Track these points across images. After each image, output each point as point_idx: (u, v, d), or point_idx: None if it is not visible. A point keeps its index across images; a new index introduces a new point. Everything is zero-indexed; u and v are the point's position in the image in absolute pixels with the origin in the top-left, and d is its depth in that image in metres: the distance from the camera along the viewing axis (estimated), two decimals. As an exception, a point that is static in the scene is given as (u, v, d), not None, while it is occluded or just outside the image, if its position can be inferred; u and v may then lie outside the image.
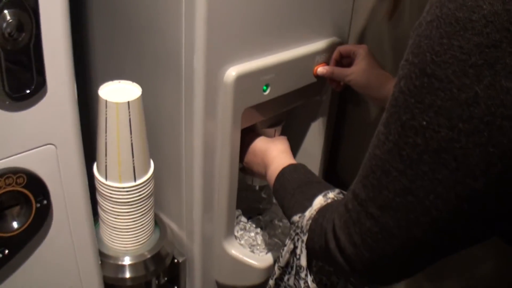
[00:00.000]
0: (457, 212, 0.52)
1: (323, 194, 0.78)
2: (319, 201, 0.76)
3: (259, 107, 1.01)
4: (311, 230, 0.73)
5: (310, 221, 0.74)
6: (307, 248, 0.76)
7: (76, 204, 0.81)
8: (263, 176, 1.05)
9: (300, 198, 0.82)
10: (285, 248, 0.83)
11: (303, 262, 0.78)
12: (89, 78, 1.19)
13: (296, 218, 0.79)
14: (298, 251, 0.79)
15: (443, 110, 0.48)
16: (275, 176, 0.94)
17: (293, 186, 0.87)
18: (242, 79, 0.92)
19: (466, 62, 0.46)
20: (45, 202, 0.75)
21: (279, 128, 1.16)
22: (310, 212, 0.75)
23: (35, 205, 0.74)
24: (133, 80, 0.90)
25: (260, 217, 1.28)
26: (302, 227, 0.76)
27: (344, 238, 0.62)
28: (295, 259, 0.80)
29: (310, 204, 0.77)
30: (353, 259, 0.61)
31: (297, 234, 0.78)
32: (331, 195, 0.78)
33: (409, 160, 0.52)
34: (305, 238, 0.75)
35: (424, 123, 0.50)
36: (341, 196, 0.78)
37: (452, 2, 0.47)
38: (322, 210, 0.73)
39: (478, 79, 0.46)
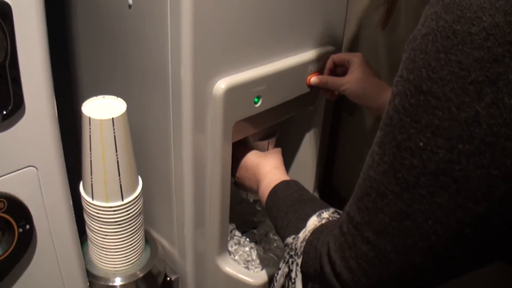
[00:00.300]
0: (458, 237, 0.48)
1: (317, 214, 0.75)
2: (313, 222, 0.73)
3: (251, 120, 0.98)
4: (306, 253, 0.69)
5: (304, 243, 0.70)
6: (302, 272, 0.73)
7: (61, 228, 0.78)
8: (255, 191, 1.02)
9: (293, 218, 0.78)
10: (280, 272, 0.79)
11: (299, 286, 0.75)
12: (75, 94, 1.16)
13: (290, 240, 0.76)
14: (293, 275, 0.75)
15: (442, 130, 0.45)
16: (267, 193, 0.91)
17: (286, 205, 0.83)
18: (232, 91, 0.89)
19: (466, 79, 0.43)
20: (27, 227, 0.72)
21: (272, 140, 1.13)
22: (304, 234, 0.72)
23: (17, 231, 0.71)
24: (119, 95, 0.87)
25: (255, 230, 1.25)
26: (296, 249, 0.72)
27: (339, 263, 0.58)
28: (290, 283, 0.77)
29: (303, 225, 0.74)
30: (349, 285, 0.57)
31: (291, 256, 0.74)
32: (326, 214, 0.75)
33: (405, 182, 0.49)
34: (299, 261, 0.71)
35: (421, 144, 0.47)
36: (336, 215, 0.75)
37: (449, 13, 0.44)
38: (316, 231, 0.70)
39: (479, 96, 0.42)
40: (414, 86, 0.47)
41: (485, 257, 0.53)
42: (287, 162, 1.22)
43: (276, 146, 1.15)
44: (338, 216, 0.75)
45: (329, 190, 1.45)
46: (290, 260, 0.75)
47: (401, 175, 0.49)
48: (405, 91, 0.48)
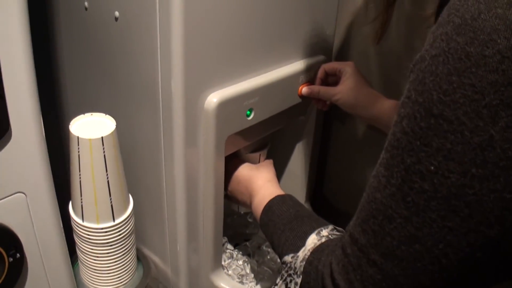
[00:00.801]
0: (469, 260, 0.47)
1: (316, 232, 0.73)
2: (312, 240, 0.71)
3: (243, 132, 0.95)
4: (306, 273, 0.67)
5: (304, 263, 0.68)
6: None
7: (52, 254, 0.75)
8: (247, 205, 1.00)
9: (291, 236, 0.76)
10: None
11: None
12: (61, 112, 1.13)
13: (288, 258, 0.73)
14: None
15: (454, 154, 0.43)
16: (261, 208, 0.89)
17: (283, 221, 0.81)
18: (224, 105, 0.87)
19: (480, 102, 0.41)
20: (18, 255, 0.69)
21: (264, 152, 1.11)
22: (303, 253, 0.70)
23: (7, 260, 0.68)
24: (107, 111, 0.85)
25: (248, 243, 1.23)
26: (295, 268, 0.70)
27: (343, 285, 0.56)
28: None
29: (302, 243, 0.72)
30: None
31: (289, 275, 0.72)
32: (325, 232, 0.73)
33: (415, 206, 0.47)
34: (299, 280, 0.69)
35: (432, 167, 0.45)
36: (335, 232, 0.73)
37: (461, 35, 0.42)
38: (316, 251, 0.68)
39: (493, 120, 0.41)
40: (424, 108, 0.45)
41: (495, 278, 0.51)
42: (279, 172, 1.20)
43: (267, 156, 1.13)
44: (338, 233, 0.73)
45: (321, 199, 1.44)
46: (288, 279, 0.73)
47: (411, 199, 0.47)
48: (414, 113, 0.46)
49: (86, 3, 0.93)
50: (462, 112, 0.42)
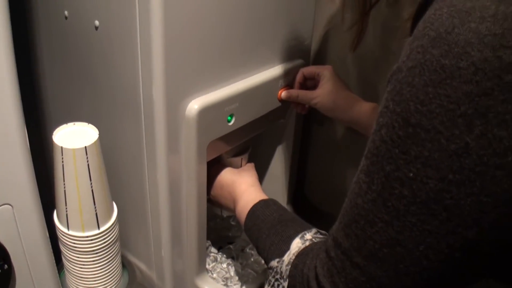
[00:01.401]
0: (449, 260, 0.49)
1: (300, 236, 0.74)
2: (296, 244, 0.73)
3: (224, 138, 0.97)
4: (292, 276, 0.69)
5: (289, 267, 0.70)
6: None
7: (39, 264, 0.76)
8: (231, 210, 1.01)
9: (276, 240, 0.78)
10: None
11: None
12: (44, 122, 1.13)
13: (274, 263, 0.75)
14: None
15: (431, 161, 0.45)
16: (245, 213, 0.90)
17: (267, 226, 0.83)
18: (205, 111, 0.88)
19: (455, 112, 0.43)
20: (5, 267, 0.69)
21: (245, 156, 1.12)
22: (288, 257, 0.71)
23: (-5, 271, 0.69)
24: (90, 120, 0.85)
25: (231, 246, 1.24)
26: (281, 272, 0.72)
27: (329, 287, 0.58)
28: None
29: (287, 247, 0.73)
30: None
31: (276, 279, 0.74)
32: (308, 236, 0.74)
33: (395, 211, 0.49)
34: (285, 284, 0.71)
35: (411, 174, 0.47)
36: (318, 236, 0.75)
37: (436, 48, 0.44)
38: (301, 254, 0.69)
39: (468, 129, 0.43)
40: (401, 118, 0.47)
41: (475, 276, 0.53)
42: (260, 175, 1.21)
43: (249, 160, 1.14)
44: (321, 236, 0.75)
45: (302, 199, 1.45)
46: (276, 283, 0.74)
47: (391, 204, 0.49)
48: (392, 122, 0.48)
49: (66, 12, 0.93)
50: (438, 121, 0.44)
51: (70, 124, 0.84)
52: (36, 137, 1.10)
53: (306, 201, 1.46)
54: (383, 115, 0.49)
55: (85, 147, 0.78)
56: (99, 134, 0.82)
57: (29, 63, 1.06)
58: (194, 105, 0.86)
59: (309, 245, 0.72)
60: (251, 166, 1.09)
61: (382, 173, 0.50)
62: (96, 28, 0.88)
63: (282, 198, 1.29)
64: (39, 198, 0.73)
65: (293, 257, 0.70)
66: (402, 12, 1.00)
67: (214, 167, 1.06)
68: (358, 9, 0.78)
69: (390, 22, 1.06)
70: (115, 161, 0.97)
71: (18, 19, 0.94)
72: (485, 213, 0.45)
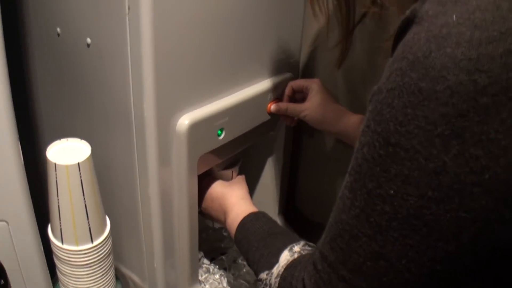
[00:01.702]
0: (431, 273, 0.51)
1: (288, 248, 0.76)
2: (285, 257, 0.74)
3: (215, 151, 0.98)
4: None
5: (278, 279, 0.72)
6: None
7: (35, 279, 0.78)
8: (222, 222, 1.03)
9: (265, 252, 0.79)
10: None
11: None
12: (37, 138, 1.14)
13: (263, 275, 0.77)
14: None
15: (411, 179, 0.47)
16: (235, 226, 0.92)
17: (256, 238, 0.84)
18: (195, 126, 0.90)
19: (432, 132, 0.45)
20: (2, 282, 0.71)
21: (236, 169, 1.14)
22: (277, 269, 0.73)
23: (-9, 287, 0.70)
24: (82, 136, 0.87)
25: (223, 257, 1.25)
26: (271, 284, 0.73)
27: None
28: None
29: (276, 260, 0.75)
30: None
31: None
32: (297, 248, 0.76)
33: (378, 226, 0.51)
34: None
35: (392, 191, 0.49)
36: (307, 248, 0.77)
37: (414, 71, 0.46)
38: (289, 267, 0.71)
39: (445, 148, 0.45)
40: (382, 138, 0.49)
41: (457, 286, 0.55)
42: (251, 186, 1.23)
43: (239, 172, 1.16)
44: (309, 248, 0.77)
45: (293, 211, 1.47)
46: None
47: (373, 220, 0.51)
48: (373, 141, 0.50)
49: (58, 29, 0.95)
50: (416, 141, 0.46)
51: (63, 140, 0.86)
52: (30, 152, 1.11)
53: (297, 212, 1.48)
54: (365, 134, 0.51)
55: (78, 163, 0.80)
56: (92, 150, 0.84)
57: (23, 79, 1.08)
58: (185, 121, 0.88)
59: (298, 257, 0.73)
60: (241, 178, 1.11)
61: (365, 190, 0.51)
62: (88, 45, 0.90)
63: (273, 209, 1.31)
64: (34, 215, 0.74)
65: (282, 270, 0.72)
66: (388, 27, 1.02)
67: (205, 179, 1.08)
68: (341, 29, 0.80)
69: (376, 36, 1.08)
70: (107, 175, 0.98)
71: (11, 35, 0.95)
72: (464, 228, 0.47)
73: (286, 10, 1.10)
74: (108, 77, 0.89)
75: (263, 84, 1.06)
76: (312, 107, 1.04)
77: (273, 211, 1.31)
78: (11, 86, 0.67)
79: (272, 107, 1.08)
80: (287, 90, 1.09)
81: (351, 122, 1.02)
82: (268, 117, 1.10)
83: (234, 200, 1.01)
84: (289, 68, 1.14)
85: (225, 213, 1.00)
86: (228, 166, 1.13)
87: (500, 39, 0.42)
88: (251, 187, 1.16)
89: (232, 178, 1.13)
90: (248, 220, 0.91)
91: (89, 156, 0.82)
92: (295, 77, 1.15)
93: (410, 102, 0.46)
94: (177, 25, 0.82)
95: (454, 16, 0.44)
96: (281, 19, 1.08)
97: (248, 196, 1.04)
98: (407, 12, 0.50)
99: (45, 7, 0.98)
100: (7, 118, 0.67)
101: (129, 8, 0.79)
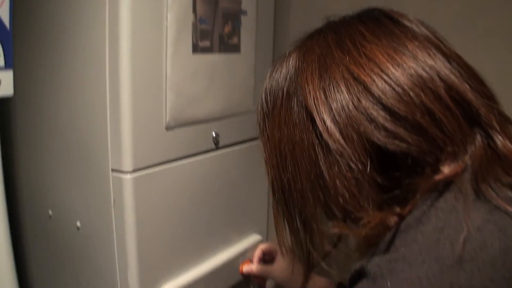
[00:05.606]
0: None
1: None
2: None
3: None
4: None
5: None
6: None
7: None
8: None
9: None
10: None
11: None
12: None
13: None
14: None
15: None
16: None
17: None
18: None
19: None
20: None
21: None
22: None
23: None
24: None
25: None
26: None
27: None
28: None
29: None
30: None
31: None
32: None
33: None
34: None
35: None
36: None
37: None
38: None
39: None
40: None
41: None
42: None
43: None
44: None
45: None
46: None
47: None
48: None
49: (50, 212, 1.06)
50: None
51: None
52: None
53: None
54: None
55: None
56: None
57: (18, 259, 1.15)
58: (166, 293, 0.99)
59: None
60: None
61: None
62: (78, 228, 1.00)
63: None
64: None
65: None
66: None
67: None
68: (302, 267, 0.90)
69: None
70: None
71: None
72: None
73: (251, 198, 1.26)
74: (97, 257, 0.99)
75: (235, 248, 1.19)
76: (279, 269, 1.14)
77: None
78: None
79: (244, 268, 1.17)
80: (257, 253, 1.19)
81: (318, 285, 1.10)
82: (240, 278, 1.20)
83: None
84: (257, 229, 1.27)
85: None
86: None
87: None
88: None
89: None
90: None
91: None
92: (263, 238, 1.27)
93: None
94: (156, 214, 0.96)
95: (389, 282, 0.52)
96: (247, 204, 1.24)
97: None
98: (357, 265, 0.58)
99: (38, 189, 1.09)
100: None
101: (114, 201, 0.92)
